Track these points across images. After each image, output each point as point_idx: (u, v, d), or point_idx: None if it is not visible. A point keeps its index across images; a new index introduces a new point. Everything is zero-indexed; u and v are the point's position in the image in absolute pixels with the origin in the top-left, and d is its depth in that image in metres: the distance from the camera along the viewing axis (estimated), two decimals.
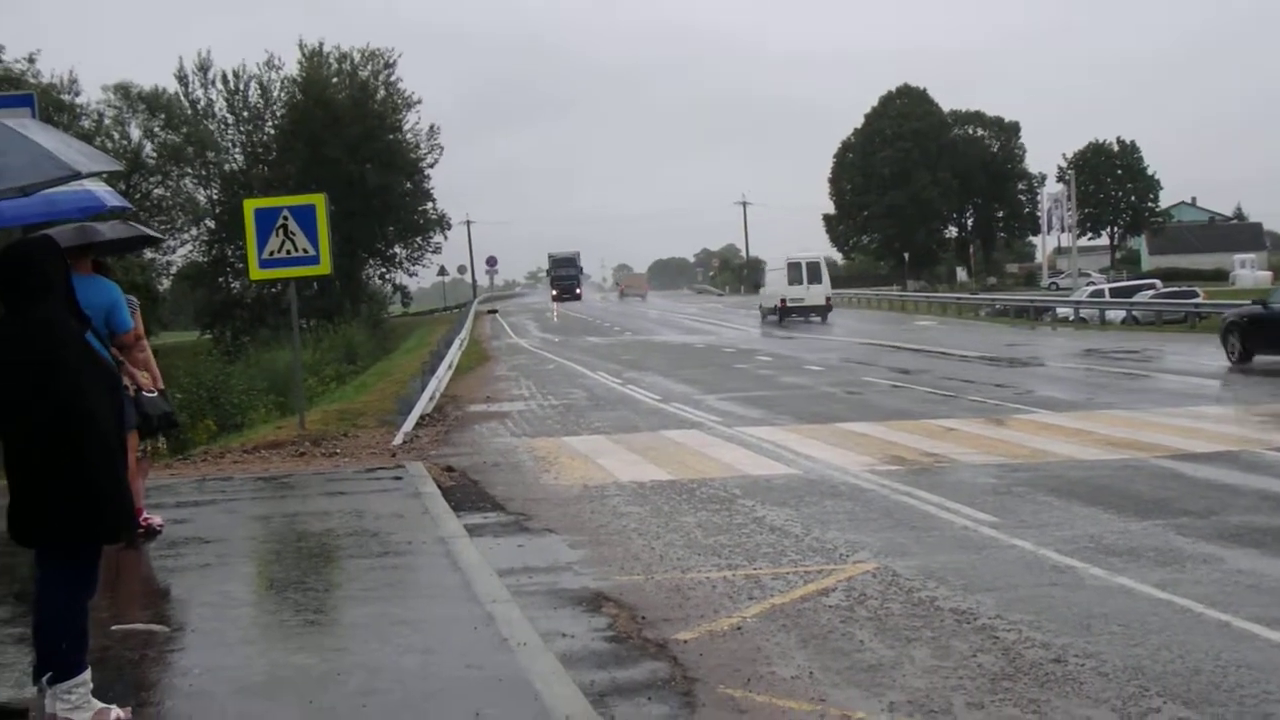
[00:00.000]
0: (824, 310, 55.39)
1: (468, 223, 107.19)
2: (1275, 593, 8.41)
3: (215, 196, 66.24)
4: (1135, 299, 49.03)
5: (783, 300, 55.28)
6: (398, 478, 14.05)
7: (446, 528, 11.04)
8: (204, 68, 67.37)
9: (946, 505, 11.70)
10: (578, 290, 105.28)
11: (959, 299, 65.09)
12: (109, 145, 59.59)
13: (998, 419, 18.20)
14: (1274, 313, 24.81)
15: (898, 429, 17.32)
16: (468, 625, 7.75)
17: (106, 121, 64.64)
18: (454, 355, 33.16)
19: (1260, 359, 25.04)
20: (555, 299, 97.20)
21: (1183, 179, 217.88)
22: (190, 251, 67.04)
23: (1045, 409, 19.19)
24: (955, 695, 6.67)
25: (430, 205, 71.56)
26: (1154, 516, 10.98)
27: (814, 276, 55.42)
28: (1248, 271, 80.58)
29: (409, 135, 69.87)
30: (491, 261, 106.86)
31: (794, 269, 55.59)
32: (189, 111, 66.83)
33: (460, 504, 12.67)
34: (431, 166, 71.19)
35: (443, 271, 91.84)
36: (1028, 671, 6.98)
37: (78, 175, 6.48)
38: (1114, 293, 53.78)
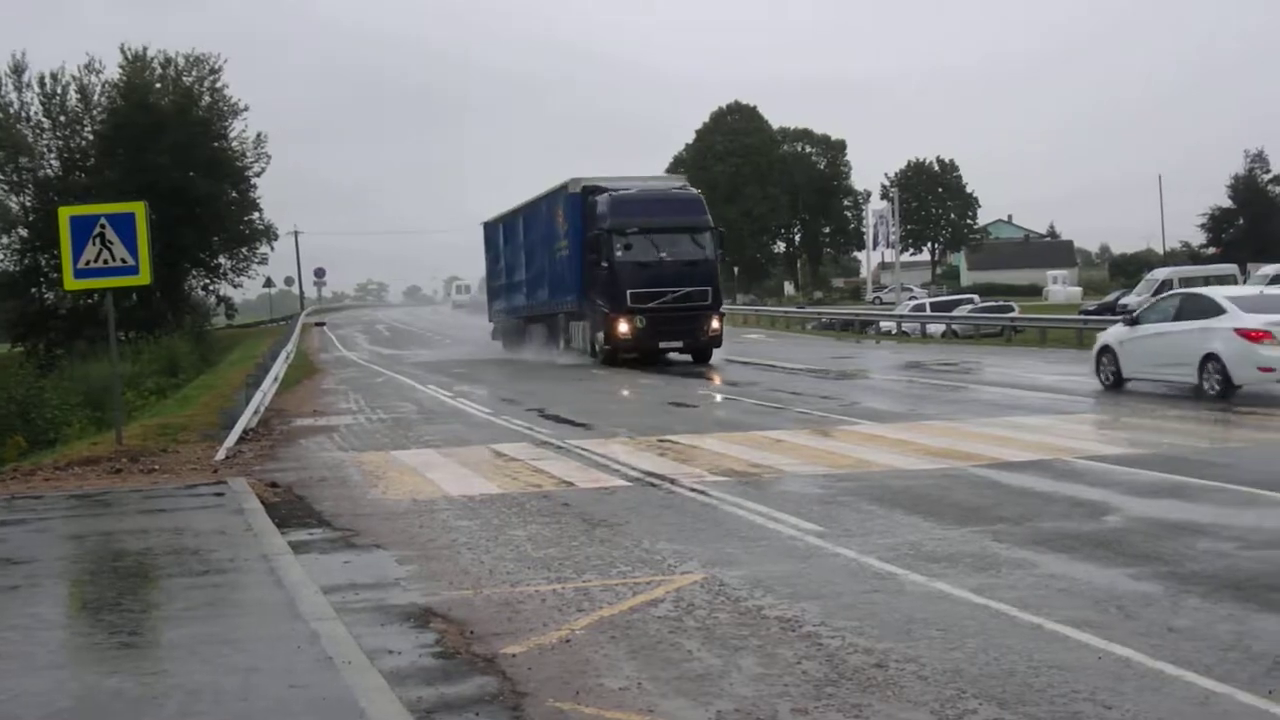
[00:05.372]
0: None
1: (295, 233, 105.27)
2: (1085, 596, 8.70)
3: (28, 204, 64.01)
4: (955, 313, 50.47)
5: None
6: (220, 494, 13.74)
7: (270, 545, 10.84)
8: (18, 70, 65.08)
9: (774, 515, 11.86)
10: None
11: (787, 312, 66.14)
12: None
13: (824, 430, 18.52)
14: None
15: (727, 440, 17.50)
16: (291, 644, 7.62)
17: None
18: (280, 368, 32.57)
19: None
20: None
21: (1000, 198, 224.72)
22: (1, 260, 64.68)
23: (869, 420, 19.59)
24: (781, 702, 6.76)
25: (257, 215, 70.13)
26: (972, 524, 11.28)
27: None
28: (1059, 287, 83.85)
29: (235, 143, 68.41)
30: (320, 273, 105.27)
31: None
32: (0, 115, 64.43)
33: (285, 520, 12.43)
34: (258, 175, 69.82)
35: (269, 283, 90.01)
36: (850, 677, 7.11)
37: None
38: (935, 307, 55.20)
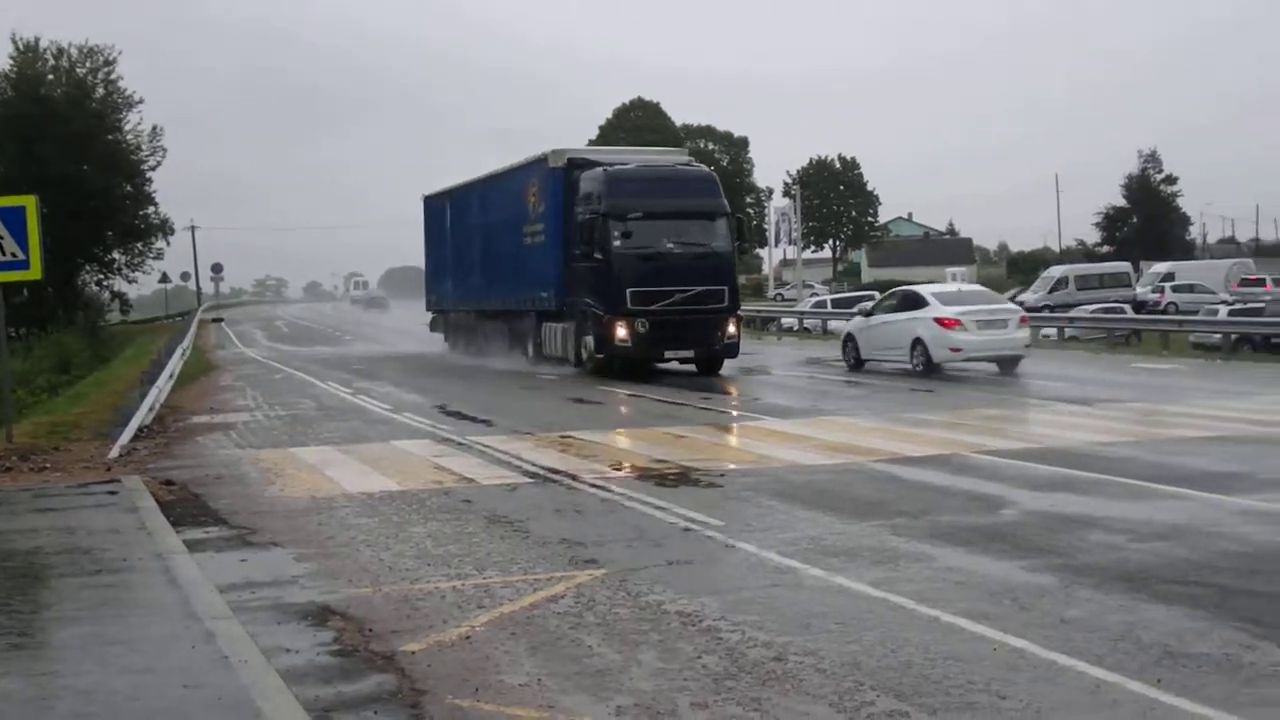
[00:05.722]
0: None
1: (192, 228, 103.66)
2: (980, 588, 8.84)
3: None
4: (855, 310, 50.91)
5: None
6: (113, 492, 13.50)
7: (165, 543, 10.67)
8: None
9: (675, 510, 11.89)
10: None
11: None
12: None
13: (725, 426, 18.63)
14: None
15: (630, 437, 17.54)
16: (186, 644, 7.51)
17: None
18: (176, 365, 32.05)
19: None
20: None
21: (901, 196, 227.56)
22: None
23: (771, 416, 19.73)
24: (680, 696, 6.78)
25: (152, 209, 68.98)
26: (871, 518, 11.41)
27: None
28: (958, 284, 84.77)
29: (130, 136, 67.20)
30: (217, 268, 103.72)
31: None
32: None
33: (180, 519, 12.23)
34: (154, 169, 68.66)
35: (165, 279, 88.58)
36: (750, 670, 7.16)
37: None
38: (835, 304, 55.69)
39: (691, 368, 28.66)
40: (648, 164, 30.49)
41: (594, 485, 13.59)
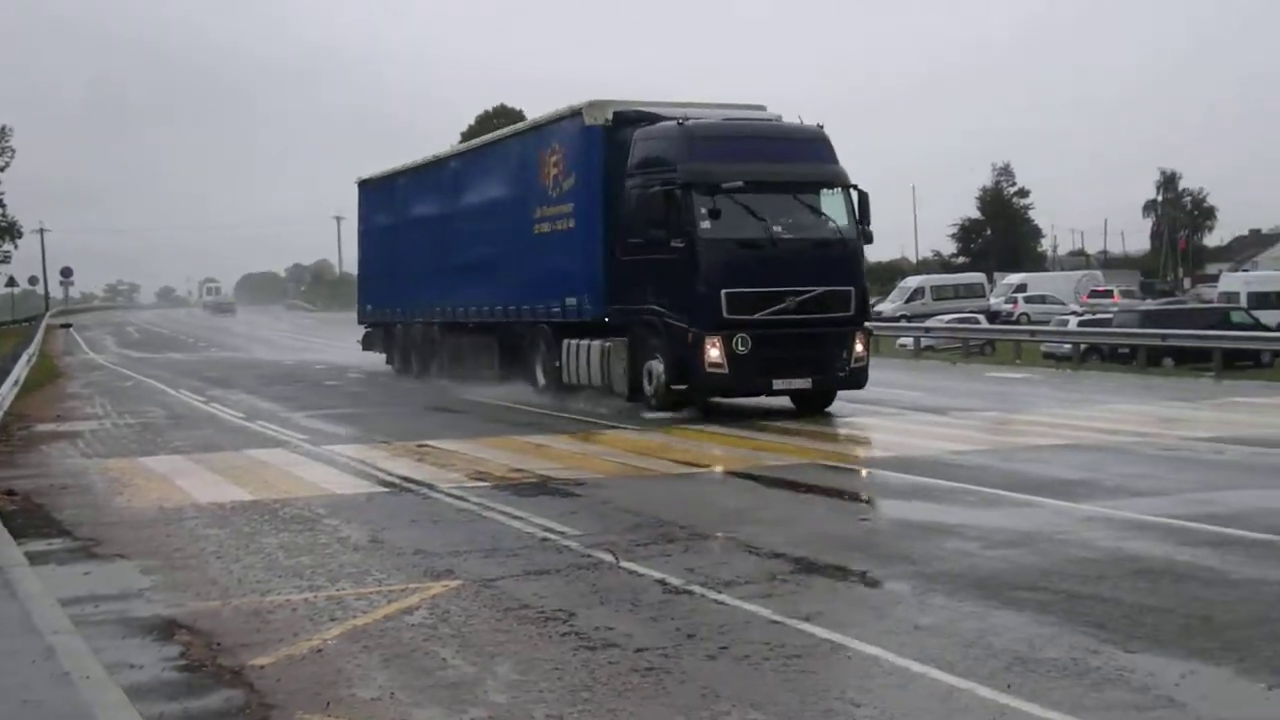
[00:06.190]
0: None
1: (40, 230, 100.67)
2: (837, 597, 8.89)
3: None
4: None
5: None
6: None
7: (5, 556, 10.30)
8: None
9: (532, 520, 11.80)
10: None
11: None
12: None
13: (586, 435, 18.57)
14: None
15: (488, 446, 17.40)
16: (26, 659, 7.23)
17: None
18: (21, 371, 31.06)
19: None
20: None
21: None
22: None
23: (632, 427, 19.71)
24: (536, 708, 6.70)
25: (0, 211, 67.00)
26: (727, 526, 11.43)
27: None
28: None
29: None
30: (66, 272, 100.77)
31: None
32: None
33: (21, 530, 11.81)
34: (2, 170, 66.69)
35: (12, 283, 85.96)
36: (606, 682, 7.10)
37: None
38: None
39: (781, 400, 21.38)
40: (733, 118, 22.67)
41: (450, 495, 13.44)
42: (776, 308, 19.99)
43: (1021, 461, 15.13)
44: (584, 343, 22.38)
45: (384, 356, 33.71)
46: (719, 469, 14.95)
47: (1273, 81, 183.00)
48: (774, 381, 20.24)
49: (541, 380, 24.37)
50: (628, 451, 16.58)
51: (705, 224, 20.00)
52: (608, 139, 22.12)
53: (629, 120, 22.05)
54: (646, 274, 20.89)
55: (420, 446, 17.45)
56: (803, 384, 20.53)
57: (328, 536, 11.41)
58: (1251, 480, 13.54)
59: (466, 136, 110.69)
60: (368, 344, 35.28)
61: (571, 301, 22.87)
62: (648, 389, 20.88)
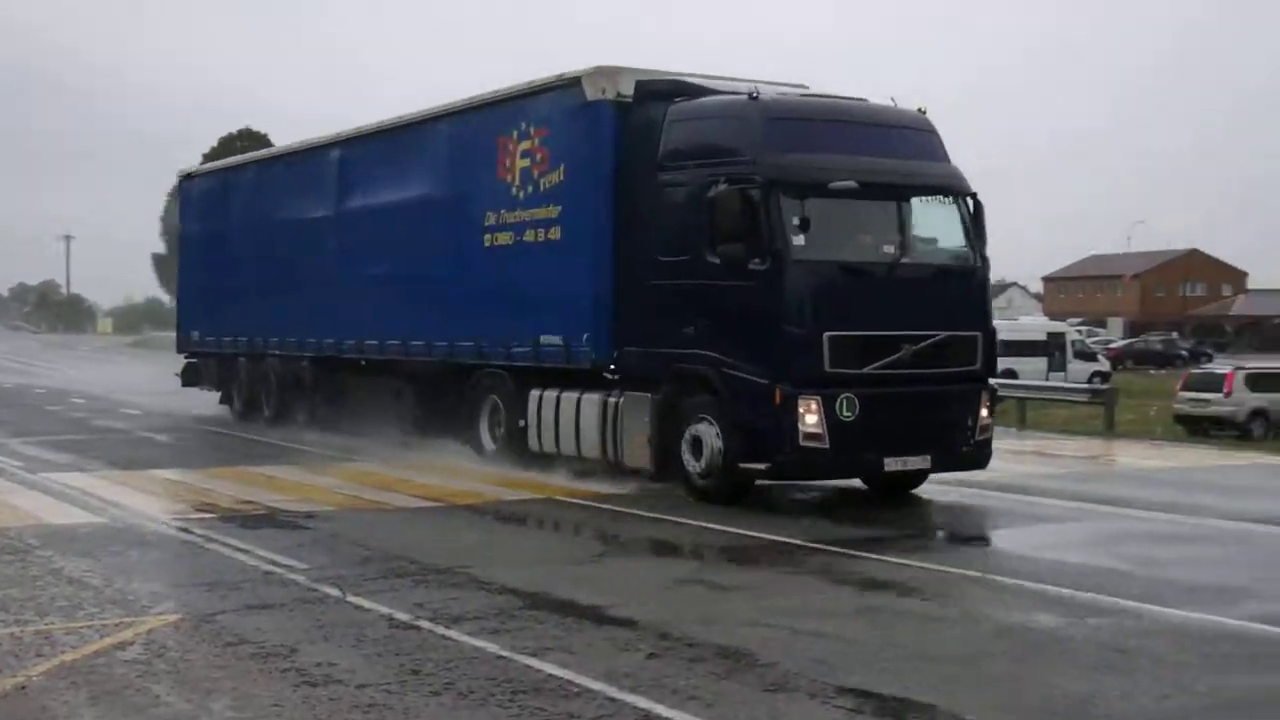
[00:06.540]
0: None
1: None
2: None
3: None
4: None
5: None
6: None
7: None
8: None
9: (257, 553, 11.51)
10: None
11: None
12: None
13: (318, 467, 18.25)
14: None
15: (214, 476, 16.95)
16: None
17: None
18: None
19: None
20: None
21: None
22: None
23: (366, 458, 19.45)
24: None
25: None
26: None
27: None
28: None
29: None
30: None
31: None
32: None
33: None
34: None
35: None
36: (326, 719, 6.98)
37: None
38: None
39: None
40: (811, 95, 16.63)
41: (173, 526, 13.03)
42: (890, 359, 14.58)
43: None
44: (570, 396, 16.69)
45: (217, 396, 27.44)
46: (454, 500, 14.86)
47: None
48: (885, 460, 14.65)
49: (488, 444, 18.43)
50: (353, 482, 16.34)
51: (798, 239, 14.47)
52: (622, 119, 16.32)
53: (658, 93, 16.20)
54: (691, 306, 15.23)
55: (145, 475, 16.86)
56: (920, 463, 15.03)
57: (39, 569, 10.88)
58: None
59: (209, 157, 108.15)
60: (190, 378, 28.65)
61: (551, 340, 17.06)
62: (693, 465, 15.02)
